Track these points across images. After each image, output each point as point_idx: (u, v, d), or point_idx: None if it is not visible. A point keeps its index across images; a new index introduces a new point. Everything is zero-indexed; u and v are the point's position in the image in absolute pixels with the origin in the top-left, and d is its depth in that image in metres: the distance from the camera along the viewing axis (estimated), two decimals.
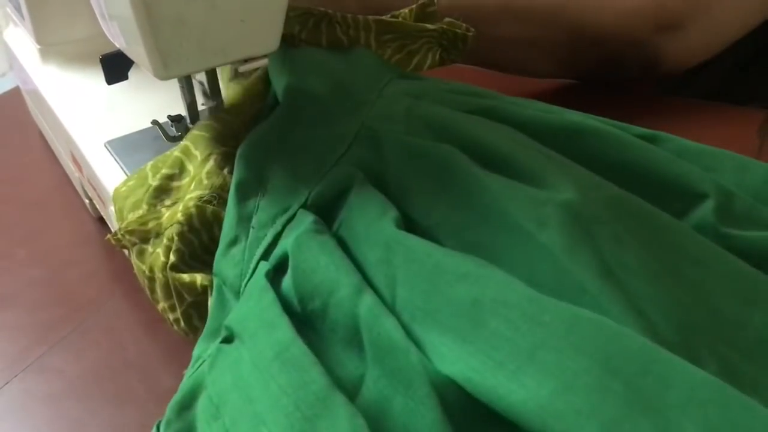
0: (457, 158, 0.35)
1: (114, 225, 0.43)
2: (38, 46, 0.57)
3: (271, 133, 0.40)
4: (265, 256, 0.35)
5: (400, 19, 0.47)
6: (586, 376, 0.23)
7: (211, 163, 0.40)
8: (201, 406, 0.31)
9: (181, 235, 0.37)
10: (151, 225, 0.39)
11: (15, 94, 0.69)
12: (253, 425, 0.27)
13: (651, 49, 0.54)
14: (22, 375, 0.42)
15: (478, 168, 0.35)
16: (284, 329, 0.30)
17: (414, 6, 0.48)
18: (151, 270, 0.38)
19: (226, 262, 0.36)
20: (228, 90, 0.45)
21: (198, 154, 0.41)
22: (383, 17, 0.47)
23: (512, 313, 0.26)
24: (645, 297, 0.28)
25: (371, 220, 0.34)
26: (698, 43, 0.55)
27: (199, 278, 0.37)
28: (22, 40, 0.61)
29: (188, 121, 0.44)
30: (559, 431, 0.23)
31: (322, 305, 0.31)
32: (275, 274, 0.34)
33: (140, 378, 0.41)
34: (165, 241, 0.38)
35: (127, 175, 0.44)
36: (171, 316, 0.39)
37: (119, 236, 0.40)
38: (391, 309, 0.29)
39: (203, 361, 0.33)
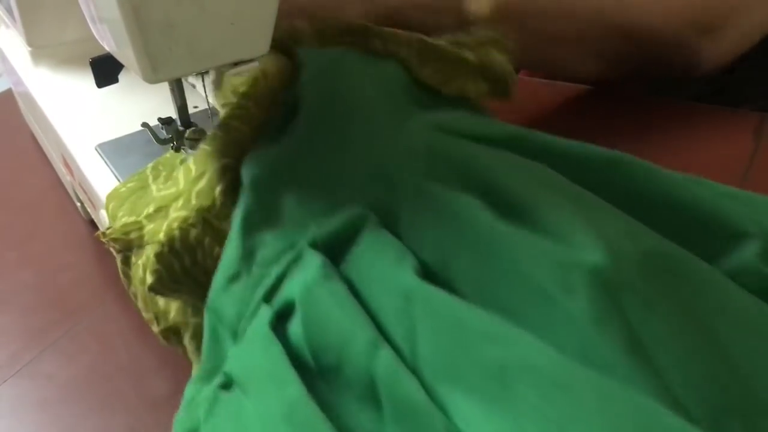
0: (479, 212, 0.32)
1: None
2: (29, 49, 0.57)
3: (285, 157, 0.38)
4: (267, 297, 0.33)
5: (453, 42, 0.45)
6: None
7: (203, 182, 0.39)
8: None
9: (160, 256, 0.36)
10: (133, 236, 0.38)
11: (7, 96, 0.69)
12: None
13: (694, 50, 0.55)
14: (13, 380, 0.42)
15: (502, 223, 0.32)
16: (294, 386, 0.28)
17: (474, 33, 0.46)
18: (135, 280, 0.38)
19: (225, 299, 0.34)
20: (228, 87, 0.43)
21: (193, 170, 0.40)
22: (429, 39, 0.44)
23: (541, 379, 0.25)
24: (676, 375, 0.26)
25: (387, 266, 0.32)
26: (734, 45, 0.56)
27: (173, 311, 0.36)
28: (13, 42, 0.61)
29: (179, 123, 0.44)
30: None
31: (336, 360, 0.29)
32: (279, 321, 0.32)
33: (131, 383, 0.41)
34: (144, 257, 0.37)
35: (118, 179, 0.44)
36: (154, 329, 0.38)
37: (105, 240, 0.39)
38: (411, 365, 0.28)
39: (197, 406, 0.32)
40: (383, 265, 0.32)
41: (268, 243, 0.34)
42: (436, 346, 0.28)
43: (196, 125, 0.44)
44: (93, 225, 0.53)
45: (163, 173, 0.41)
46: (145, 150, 0.45)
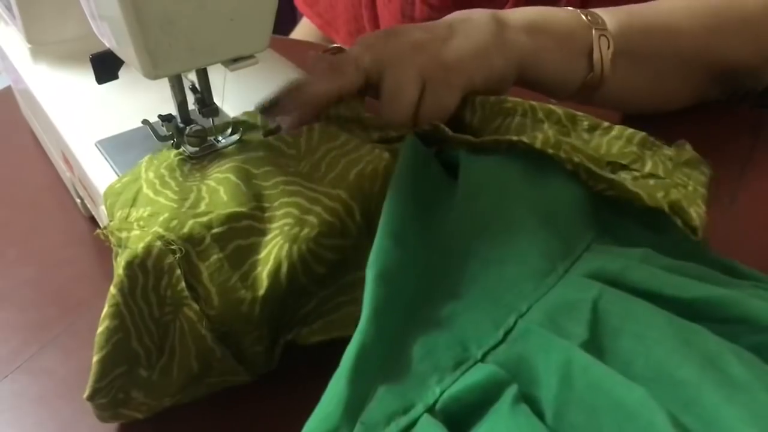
0: (654, 414, 0.27)
1: (105, 224, 0.43)
2: (29, 46, 0.57)
3: (420, 268, 0.34)
4: None
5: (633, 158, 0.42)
6: None
7: (208, 216, 0.37)
8: None
9: (129, 266, 0.36)
10: (123, 234, 0.38)
11: (6, 93, 0.69)
12: None
13: (761, 79, 0.60)
14: (13, 375, 0.42)
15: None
16: None
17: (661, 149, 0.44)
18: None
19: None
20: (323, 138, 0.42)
21: (222, 193, 0.39)
22: (597, 169, 0.40)
23: None
24: None
25: None
26: None
27: (103, 336, 0.36)
28: (13, 39, 0.61)
29: (179, 120, 0.44)
30: None
31: None
32: None
33: None
34: (118, 259, 0.37)
35: (118, 175, 0.44)
36: None
37: (104, 235, 0.39)
38: None
39: None
40: None
41: (381, 399, 0.29)
42: None
43: (196, 122, 0.44)
44: (93, 221, 0.53)
45: (177, 175, 0.41)
46: (144, 146, 0.45)
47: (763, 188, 0.48)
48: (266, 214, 0.38)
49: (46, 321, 0.46)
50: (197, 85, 0.42)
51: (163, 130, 0.44)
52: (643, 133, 0.44)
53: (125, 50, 0.38)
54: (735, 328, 0.31)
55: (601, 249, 0.38)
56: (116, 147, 0.47)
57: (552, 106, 0.45)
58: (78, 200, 0.54)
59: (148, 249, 0.36)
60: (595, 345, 0.30)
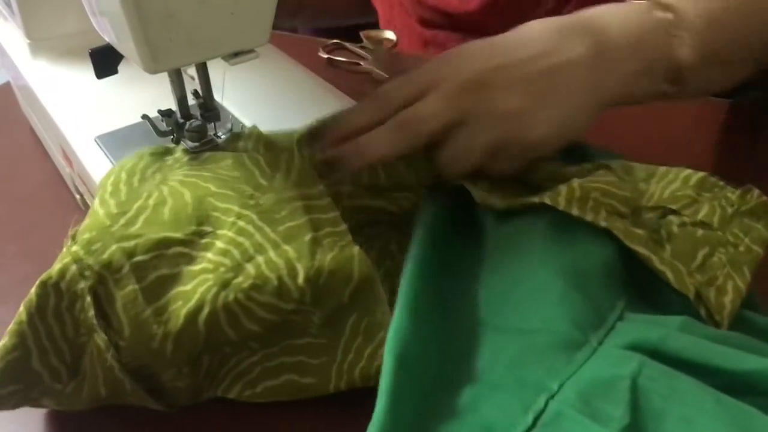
0: None
1: None
2: (28, 41, 0.57)
3: (437, 351, 0.34)
4: None
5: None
6: None
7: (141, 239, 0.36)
8: None
9: (42, 285, 0.35)
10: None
11: (6, 89, 0.69)
12: None
13: None
14: None
15: None
16: None
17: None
18: None
19: None
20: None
21: (165, 209, 0.38)
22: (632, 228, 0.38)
23: None
24: None
25: None
26: None
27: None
28: (12, 35, 0.60)
29: (179, 116, 0.44)
30: None
31: None
32: None
33: None
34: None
35: None
36: None
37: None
38: None
39: None
40: None
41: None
42: None
43: (196, 117, 0.44)
44: None
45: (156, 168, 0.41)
46: (144, 141, 0.45)
47: (764, 189, 0.48)
48: (204, 240, 0.37)
49: None
50: (198, 86, 0.42)
51: (163, 126, 0.44)
52: (702, 174, 0.41)
53: (125, 45, 0.38)
54: None
55: (636, 318, 0.35)
56: (116, 142, 0.47)
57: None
58: (78, 196, 0.54)
59: (62, 272, 0.35)
60: (636, 430, 0.28)
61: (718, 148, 0.56)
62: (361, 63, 0.70)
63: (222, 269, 0.36)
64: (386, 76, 0.67)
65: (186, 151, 0.43)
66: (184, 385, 0.37)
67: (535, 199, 0.39)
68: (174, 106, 0.44)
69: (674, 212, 0.40)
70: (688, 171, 0.41)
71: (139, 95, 0.50)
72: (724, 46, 0.47)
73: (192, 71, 0.44)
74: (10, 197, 0.58)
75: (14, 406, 0.37)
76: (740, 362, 0.30)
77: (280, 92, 0.53)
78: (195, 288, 0.35)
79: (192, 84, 0.44)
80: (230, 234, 0.37)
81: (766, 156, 0.56)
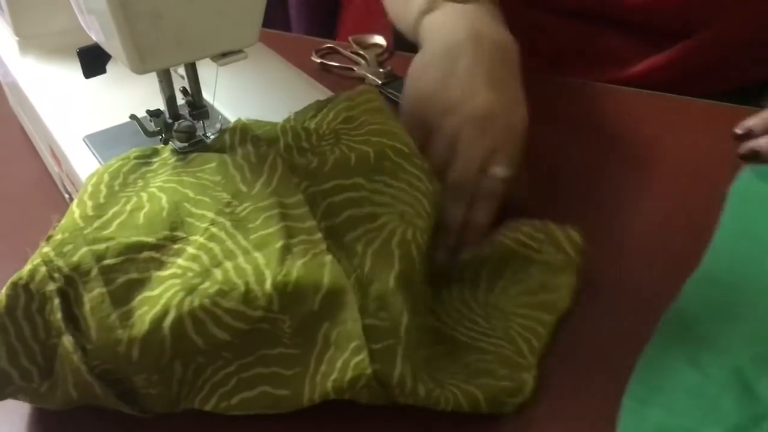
0: None
1: None
2: (17, 38, 0.56)
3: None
4: None
5: None
6: None
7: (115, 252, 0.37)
8: None
9: (13, 286, 0.36)
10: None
11: None
12: None
13: None
14: None
15: None
16: None
17: None
18: None
19: None
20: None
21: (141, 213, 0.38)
22: None
23: None
24: None
25: None
26: None
27: None
28: (0, 32, 0.60)
29: (167, 116, 0.43)
30: None
31: None
32: None
33: None
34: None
35: None
36: None
37: None
38: None
39: None
40: None
41: None
42: None
43: (184, 117, 0.44)
44: None
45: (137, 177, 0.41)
46: (133, 141, 0.45)
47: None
48: (176, 245, 0.37)
49: None
50: (188, 87, 0.42)
51: (152, 126, 0.43)
52: None
53: (112, 44, 0.38)
54: None
55: None
56: (104, 142, 0.46)
57: None
58: (66, 195, 0.53)
59: (32, 273, 0.35)
60: None
61: (714, 146, 0.57)
62: (354, 68, 0.69)
63: (190, 274, 0.36)
64: (379, 81, 0.67)
65: (174, 151, 0.43)
66: (156, 392, 0.36)
67: None
68: (162, 106, 0.44)
69: None
70: None
71: (128, 94, 0.49)
72: None
73: (181, 70, 0.44)
74: None
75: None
76: None
77: (271, 92, 0.52)
78: (162, 293, 0.35)
79: (181, 81, 0.44)
80: (201, 240, 0.37)
81: None
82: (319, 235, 0.38)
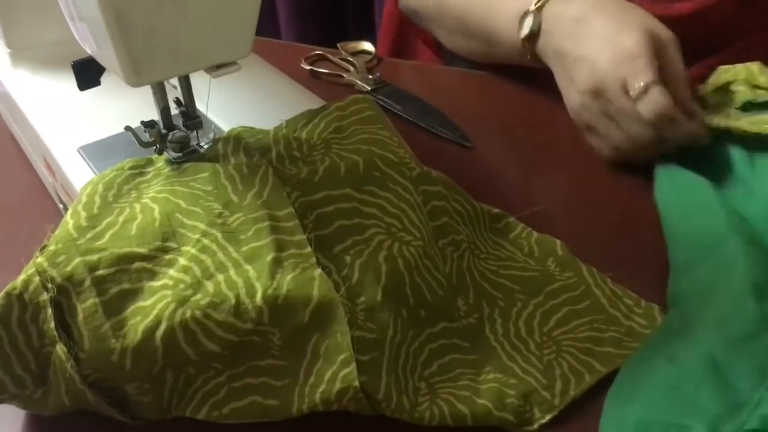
0: None
1: None
2: (9, 50, 0.56)
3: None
4: None
5: None
6: None
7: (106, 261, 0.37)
8: None
9: (6, 296, 0.36)
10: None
11: None
12: None
13: None
14: None
15: None
16: None
17: None
18: None
19: (744, 352, 0.37)
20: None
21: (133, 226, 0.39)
22: None
23: None
24: None
25: None
26: None
27: None
28: None
29: (161, 126, 0.44)
30: None
31: None
32: None
33: None
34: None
35: None
36: None
37: None
38: None
39: None
40: None
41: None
42: None
43: (179, 128, 0.44)
44: None
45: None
46: (127, 152, 0.45)
47: None
48: (168, 256, 0.38)
49: None
50: (181, 97, 0.43)
51: (146, 136, 0.44)
52: None
53: (107, 58, 0.38)
54: None
55: None
56: (99, 153, 0.47)
57: None
58: (61, 206, 0.54)
59: (26, 283, 0.36)
60: None
61: None
62: (344, 75, 0.70)
63: (181, 286, 0.37)
64: (368, 88, 0.67)
65: (168, 161, 0.44)
66: (149, 400, 0.37)
67: None
68: (157, 117, 0.44)
69: None
70: None
71: (122, 105, 0.50)
72: None
73: (174, 80, 0.45)
74: None
75: None
76: None
77: (264, 101, 0.53)
78: (154, 304, 0.36)
79: (174, 91, 0.44)
80: (193, 251, 0.38)
81: None
82: (309, 249, 0.39)
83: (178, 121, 0.45)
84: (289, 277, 0.38)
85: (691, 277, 0.44)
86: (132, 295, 0.37)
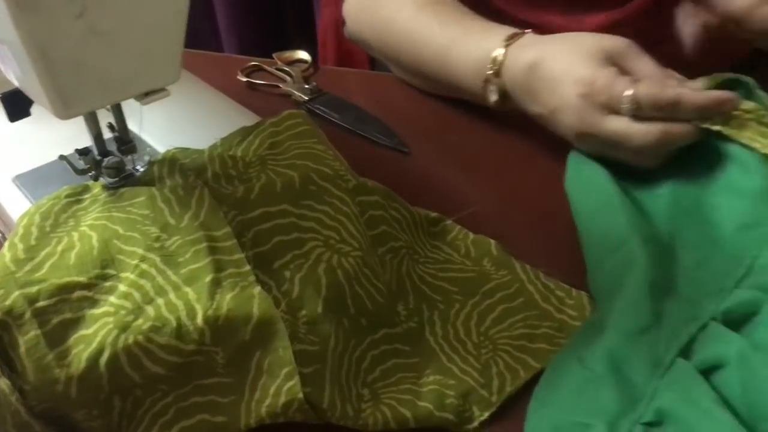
0: None
1: None
2: None
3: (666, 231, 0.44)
4: (681, 353, 0.39)
5: None
6: None
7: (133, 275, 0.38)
8: None
9: None
10: None
11: None
12: None
13: None
14: None
15: None
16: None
17: None
18: None
19: (638, 347, 0.39)
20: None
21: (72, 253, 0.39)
22: None
23: None
24: None
25: None
26: None
27: None
28: None
29: (96, 153, 0.44)
30: None
31: None
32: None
33: None
34: None
35: None
36: None
37: None
38: None
39: None
40: None
41: (673, 311, 0.41)
42: None
43: (113, 153, 0.45)
44: None
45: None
46: (63, 179, 0.46)
47: None
48: (107, 283, 0.39)
49: None
50: (114, 123, 0.43)
51: (81, 164, 0.44)
52: None
53: (34, 91, 0.38)
54: None
55: None
56: (34, 182, 0.47)
57: None
58: None
59: (7, 307, 0.37)
60: None
61: None
62: (280, 86, 0.70)
63: (123, 312, 0.37)
64: (305, 98, 0.68)
65: (105, 186, 0.44)
66: (98, 425, 0.38)
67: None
68: (91, 143, 0.45)
69: None
70: None
71: (55, 132, 0.50)
72: None
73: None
74: None
75: None
76: None
77: (198, 120, 0.54)
78: (96, 331, 0.37)
79: (107, 114, 0.45)
80: (132, 277, 0.39)
81: None
82: (247, 267, 0.40)
83: (113, 146, 0.45)
84: (228, 296, 0.38)
85: (600, 276, 0.46)
86: (74, 324, 0.37)
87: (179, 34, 0.40)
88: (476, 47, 0.59)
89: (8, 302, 0.37)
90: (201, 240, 0.40)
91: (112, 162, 0.44)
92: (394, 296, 0.46)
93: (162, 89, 0.41)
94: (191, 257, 0.40)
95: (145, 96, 0.40)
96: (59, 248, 0.40)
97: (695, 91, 0.47)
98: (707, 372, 0.37)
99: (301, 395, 0.37)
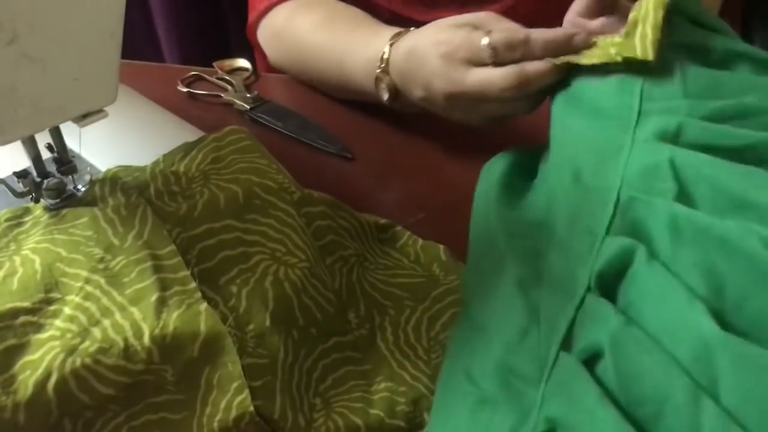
0: (747, 237, 0.33)
1: None
2: None
3: (531, 205, 0.44)
4: (563, 346, 0.36)
5: None
6: None
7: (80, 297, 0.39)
8: None
9: None
10: None
11: None
12: None
13: None
14: None
15: None
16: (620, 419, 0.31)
17: None
18: None
19: (522, 352, 0.37)
20: None
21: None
22: None
23: None
24: None
25: (675, 312, 0.32)
26: None
27: None
28: None
29: (35, 175, 0.44)
30: None
31: (655, 411, 0.31)
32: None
33: None
34: None
35: None
36: None
37: None
38: None
39: None
40: (669, 312, 0.33)
41: (546, 298, 0.39)
42: (745, 397, 0.29)
43: (53, 174, 0.45)
44: None
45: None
46: (2, 203, 0.45)
47: None
48: (52, 307, 0.39)
49: None
50: (53, 143, 0.43)
51: (20, 186, 0.44)
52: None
53: None
54: None
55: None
56: None
57: None
58: None
59: None
60: (684, 193, 0.37)
61: None
62: (222, 95, 0.70)
63: (69, 335, 0.37)
64: (247, 107, 0.68)
65: (46, 208, 0.44)
66: None
67: None
68: (29, 164, 0.44)
69: None
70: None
71: None
72: None
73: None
74: None
75: None
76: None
77: (138, 136, 0.54)
78: (43, 356, 0.37)
79: (45, 135, 0.44)
80: (77, 299, 0.39)
81: None
82: (193, 284, 0.40)
83: (52, 167, 0.45)
84: (175, 314, 0.39)
85: (474, 276, 0.45)
86: (19, 350, 0.37)
87: (114, 56, 0.40)
88: (365, 50, 0.62)
89: None
90: (146, 259, 0.41)
91: (52, 183, 0.44)
92: (345, 305, 0.46)
93: (99, 110, 0.41)
94: (136, 277, 0.40)
95: (83, 118, 0.40)
96: (1, 274, 0.40)
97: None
98: (590, 361, 0.35)
99: (251, 408, 0.38)
